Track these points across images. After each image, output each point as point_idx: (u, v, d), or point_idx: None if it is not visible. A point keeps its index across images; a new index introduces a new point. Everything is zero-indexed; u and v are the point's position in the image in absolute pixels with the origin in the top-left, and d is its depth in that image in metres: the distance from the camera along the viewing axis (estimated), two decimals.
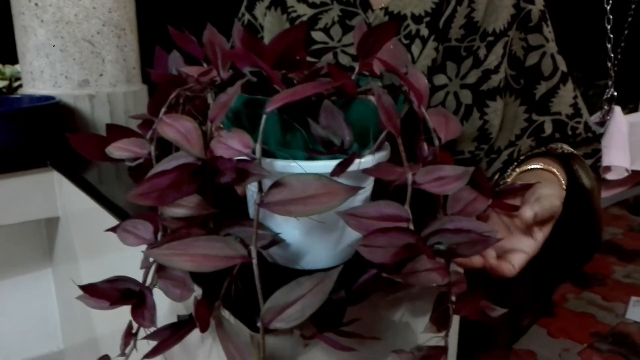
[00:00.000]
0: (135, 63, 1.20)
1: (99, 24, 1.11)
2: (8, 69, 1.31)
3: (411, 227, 0.44)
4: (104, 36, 1.12)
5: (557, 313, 2.30)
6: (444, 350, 0.53)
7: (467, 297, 0.53)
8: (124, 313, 0.53)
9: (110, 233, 0.52)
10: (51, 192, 1.04)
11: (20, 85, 1.25)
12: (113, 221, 0.69)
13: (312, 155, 0.48)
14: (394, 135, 0.45)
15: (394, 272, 0.47)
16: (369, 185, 0.53)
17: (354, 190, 0.43)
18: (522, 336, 0.91)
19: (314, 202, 0.43)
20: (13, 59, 1.26)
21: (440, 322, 0.54)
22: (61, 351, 1.28)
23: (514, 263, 0.58)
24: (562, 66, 0.81)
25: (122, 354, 0.53)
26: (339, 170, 0.43)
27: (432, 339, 0.60)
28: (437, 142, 0.51)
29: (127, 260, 0.60)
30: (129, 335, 0.52)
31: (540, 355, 2.00)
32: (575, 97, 0.82)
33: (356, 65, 0.51)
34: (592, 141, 0.84)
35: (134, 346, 0.54)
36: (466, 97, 0.79)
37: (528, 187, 0.61)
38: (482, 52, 0.78)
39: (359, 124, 0.47)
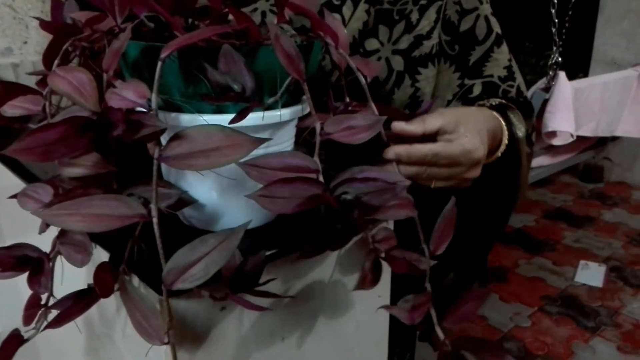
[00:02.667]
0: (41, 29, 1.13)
1: None
2: None
3: (321, 178, 0.42)
4: (26, 1, 1.06)
5: (508, 279, 2.35)
6: (428, 296, 0.51)
7: (397, 251, 0.52)
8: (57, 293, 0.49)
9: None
10: None
11: None
12: None
13: (221, 107, 0.45)
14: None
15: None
16: (286, 139, 0.51)
17: (260, 142, 0.41)
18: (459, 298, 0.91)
19: (216, 154, 0.40)
20: None
21: (370, 278, 0.53)
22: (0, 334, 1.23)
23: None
24: (497, 28, 0.79)
25: (34, 327, 0.50)
26: (239, 117, 0.40)
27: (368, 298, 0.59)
28: (363, 81, 0.49)
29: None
30: (34, 307, 0.49)
31: (491, 319, 2.04)
32: (509, 60, 0.81)
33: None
34: (528, 116, 0.83)
35: (45, 317, 0.50)
36: (398, 63, 0.77)
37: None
38: (414, 17, 0.76)
39: (268, 74, 0.45)
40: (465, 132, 0.56)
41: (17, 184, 0.78)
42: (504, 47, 0.80)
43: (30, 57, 1.09)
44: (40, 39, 1.10)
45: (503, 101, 0.76)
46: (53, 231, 0.49)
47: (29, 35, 1.08)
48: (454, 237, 0.75)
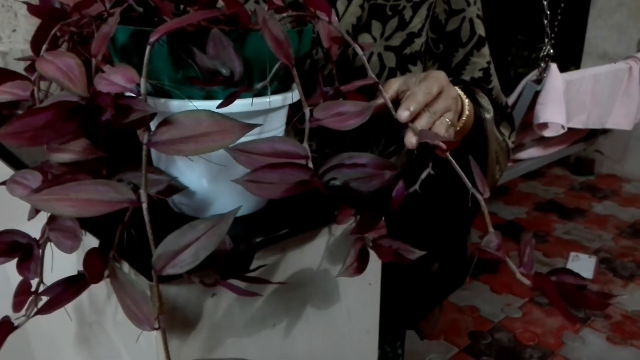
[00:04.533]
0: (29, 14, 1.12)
1: None
2: None
3: (310, 164, 0.42)
4: None
5: (500, 270, 2.36)
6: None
7: (385, 240, 0.52)
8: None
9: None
10: None
11: None
12: None
13: (211, 93, 0.45)
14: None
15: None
16: (276, 126, 0.50)
17: (249, 127, 0.41)
18: (439, 285, 0.91)
19: (206, 139, 0.40)
20: None
21: (356, 266, 0.53)
22: None
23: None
24: (480, 30, 0.79)
25: (24, 314, 0.50)
26: (227, 101, 0.40)
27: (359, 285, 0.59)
28: (360, 52, 0.49)
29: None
30: (23, 293, 0.48)
31: (483, 310, 2.06)
32: (488, 63, 0.80)
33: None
34: (505, 118, 0.83)
35: (36, 304, 0.50)
36: (390, 59, 0.77)
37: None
38: (407, 14, 0.76)
39: (258, 60, 0.45)
40: (425, 74, 0.58)
41: (5, 172, 0.78)
42: (484, 50, 0.80)
43: (19, 45, 1.08)
44: (30, 27, 1.09)
45: (471, 87, 0.76)
46: (42, 219, 0.49)
47: (18, 23, 1.07)
48: (431, 221, 0.75)
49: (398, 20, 0.76)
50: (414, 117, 0.54)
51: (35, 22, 1.14)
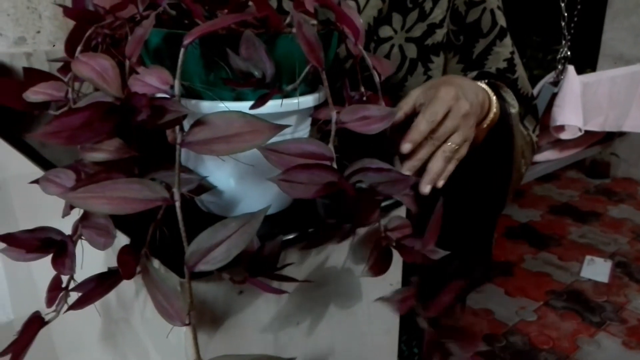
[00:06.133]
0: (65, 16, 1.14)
1: None
2: None
3: (334, 166, 0.43)
4: None
5: (514, 273, 2.35)
6: (413, 290, 0.52)
7: (408, 240, 0.53)
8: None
9: (51, 197, 0.49)
10: None
11: None
12: None
13: (240, 95, 0.46)
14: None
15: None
16: (302, 127, 0.51)
17: (279, 128, 0.42)
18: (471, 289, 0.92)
19: (237, 140, 0.41)
20: None
21: (379, 266, 0.53)
22: (11, 322, 1.25)
23: None
24: (502, 21, 0.80)
25: (55, 309, 0.51)
26: (260, 102, 0.41)
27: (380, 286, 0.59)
28: (377, 79, 0.49)
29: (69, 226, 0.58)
30: (56, 289, 0.50)
31: (497, 313, 2.05)
32: (511, 53, 0.81)
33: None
34: (529, 110, 0.83)
35: (66, 300, 0.51)
36: (411, 51, 0.78)
37: None
38: (428, 5, 0.77)
39: (287, 62, 0.45)
40: (435, 91, 0.58)
41: (30, 171, 0.79)
42: (507, 41, 0.80)
43: (43, 46, 1.10)
44: (53, 29, 1.11)
45: (494, 81, 0.76)
46: (68, 217, 0.50)
47: (42, 24, 1.09)
48: (455, 218, 0.75)
49: (418, 12, 0.77)
50: (417, 147, 0.55)
51: (60, 23, 1.16)
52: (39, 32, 1.08)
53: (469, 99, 0.60)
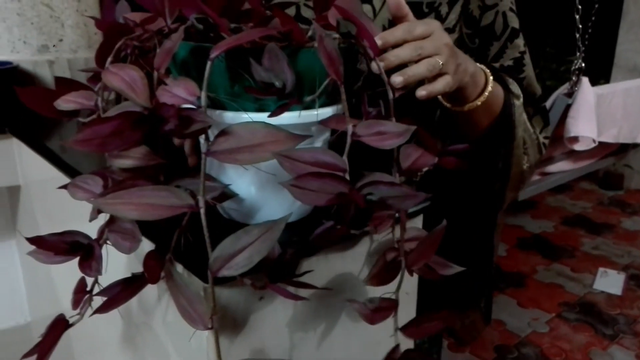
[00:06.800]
0: (97, 28, 1.17)
1: None
2: None
3: (347, 177, 0.44)
4: (63, 0, 1.09)
5: (526, 284, 2.34)
6: (394, 303, 0.53)
7: (419, 253, 0.53)
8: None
9: (71, 201, 0.51)
10: (11, 160, 1.01)
11: None
12: None
13: (262, 106, 0.47)
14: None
15: (350, 225, 0.47)
16: (319, 138, 0.52)
17: (300, 138, 0.43)
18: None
19: (260, 149, 0.42)
20: None
21: (382, 276, 0.54)
22: (28, 324, 1.27)
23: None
24: (513, 23, 0.80)
25: (78, 312, 0.52)
26: (278, 111, 0.42)
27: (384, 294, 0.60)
28: (391, 95, 0.51)
29: (91, 229, 0.59)
30: (81, 292, 0.51)
31: (509, 324, 2.04)
32: (521, 53, 0.80)
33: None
34: (539, 111, 0.83)
35: (89, 304, 0.53)
36: None
37: None
38: (444, 10, 0.78)
39: (308, 75, 0.47)
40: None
41: (51, 176, 0.81)
42: (518, 41, 0.80)
43: (65, 54, 1.12)
44: (75, 37, 1.13)
45: (500, 73, 0.76)
46: (84, 220, 0.52)
47: (65, 33, 1.12)
48: (453, 214, 0.75)
49: (434, 17, 0.78)
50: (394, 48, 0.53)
51: (81, 32, 1.19)
52: (61, 40, 1.11)
53: (461, 57, 0.60)
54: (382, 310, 0.52)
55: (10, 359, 1.23)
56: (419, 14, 0.78)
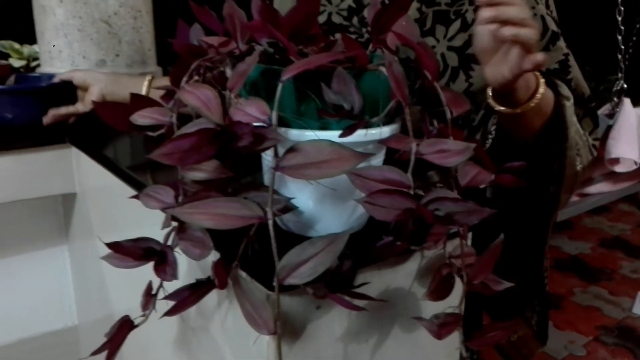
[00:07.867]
0: (151, 45, 1.22)
1: (116, 5, 1.13)
2: (26, 49, 1.33)
3: (412, 193, 0.46)
4: (120, 17, 1.15)
5: (563, 306, 2.31)
6: (458, 317, 0.55)
7: (479, 267, 0.55)
8: (139, 289, 0.55)
9: (127, 209, 0.54)
10: (68, 168, 1.06)
11: (38, 65, 1.27)
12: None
13: (325, 124, 0.50)
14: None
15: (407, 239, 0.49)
16: (380, 155, 0.55)
17: (364, 156, 0.45)
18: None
19: (326, 166, 0.45)
20: (30, 39, 1.29)
21: (439, 291, 0.56)
22: (75, 327, 1.31)
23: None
24: (552, 26, 0.80)
25: (143, 314, 0.56)
26: (348, 132, 0.45)
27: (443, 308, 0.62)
28: (448, 115, 0.53)
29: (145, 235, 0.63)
30: (149, 295, 0.54)
31: (546, 346, 2.01)
32: (566, 55, 0.81)
33: (349, 24, 0.53)
34: (588, 112, 0.82)
35: (153, 307, 0.56)
36: (452, 59, 0.80)
37: None
38: (470, 16, 0.79)
39: (370, 96, 0.49)
40: None
41: (106, 184, 0.85)
42: (560, 44, 0.80)
43: (121, 69, 1.18)
44: (131, 53, 1.19)
45: (549, 77, 0.76)
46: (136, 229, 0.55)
47: (121, 49, 1.17)
48: (509, 224, 0.76)
49: (461, 23, 0.80)
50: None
51: (137, 48, 1.24)
52: (117, 55, 1.17)
53: None
54: (447, 325, 0.54)
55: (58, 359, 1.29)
56: (446, 21, 0.80)
